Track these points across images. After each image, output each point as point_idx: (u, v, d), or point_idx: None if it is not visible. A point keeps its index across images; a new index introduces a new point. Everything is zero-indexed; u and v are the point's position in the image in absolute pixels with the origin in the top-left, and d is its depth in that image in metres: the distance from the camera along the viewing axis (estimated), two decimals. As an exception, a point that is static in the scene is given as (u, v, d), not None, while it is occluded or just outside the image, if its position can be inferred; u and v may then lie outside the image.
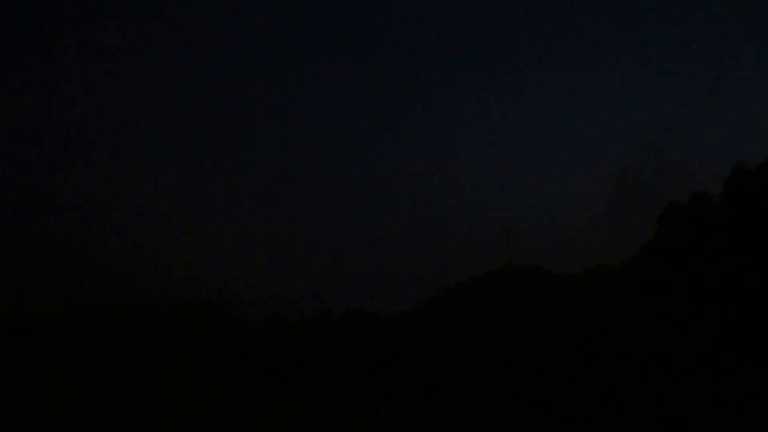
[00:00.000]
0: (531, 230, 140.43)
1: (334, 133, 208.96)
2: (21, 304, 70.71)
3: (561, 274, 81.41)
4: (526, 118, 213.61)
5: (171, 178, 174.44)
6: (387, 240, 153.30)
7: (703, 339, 46.72)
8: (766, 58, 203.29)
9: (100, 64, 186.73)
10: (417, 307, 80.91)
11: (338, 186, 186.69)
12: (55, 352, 61.11)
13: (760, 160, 52.03)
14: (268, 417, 60.13)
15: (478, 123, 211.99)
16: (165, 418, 57.37)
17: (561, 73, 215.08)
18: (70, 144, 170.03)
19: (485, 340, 68.18)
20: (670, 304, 50.78)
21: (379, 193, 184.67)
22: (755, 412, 41.73)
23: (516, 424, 57.22)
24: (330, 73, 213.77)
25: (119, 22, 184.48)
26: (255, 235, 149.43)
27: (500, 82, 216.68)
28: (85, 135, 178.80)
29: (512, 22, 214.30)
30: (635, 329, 52.51)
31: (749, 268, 47.34)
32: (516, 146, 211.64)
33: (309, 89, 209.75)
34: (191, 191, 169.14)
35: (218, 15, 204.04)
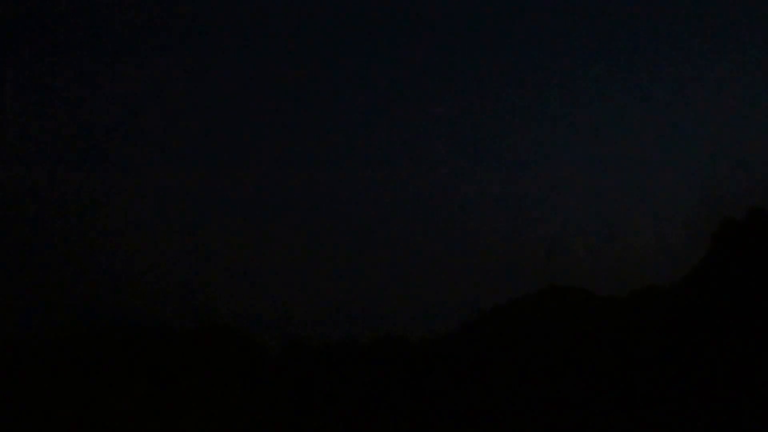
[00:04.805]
0: (574, 249, 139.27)
1: (363, 148, 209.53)
2: (34, 327, 72.28)
3: (606, 296, 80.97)
4: (570, 130, 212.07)
5: (190, 197, 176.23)
6: (417, 259, 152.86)
7: (760, 367, 46.59)
8: None
9: (103, 68, 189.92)
10: (450, 332, 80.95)
11: (366, 201, 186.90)
12: (68, 376, 62.47)
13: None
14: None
15: (519, 134, 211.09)
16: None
17: (615, 85, 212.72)
18: (83, 158, 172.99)
19: (523, 368, 68.20)
20: (723, 329, 50.59)
21: (409, 207, 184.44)
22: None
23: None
24: (364, 82, 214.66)
25: (122, 22, 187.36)
26: (276, 254, 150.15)
27: (543, 92, 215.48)
28: (102, 146, 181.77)
29: (580, 25, 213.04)
30: (685, 357, 52.40)
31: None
32: (558, 159, 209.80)
33: (338, 101, 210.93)
34: (211, 211, 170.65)
35: (227, 17, 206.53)
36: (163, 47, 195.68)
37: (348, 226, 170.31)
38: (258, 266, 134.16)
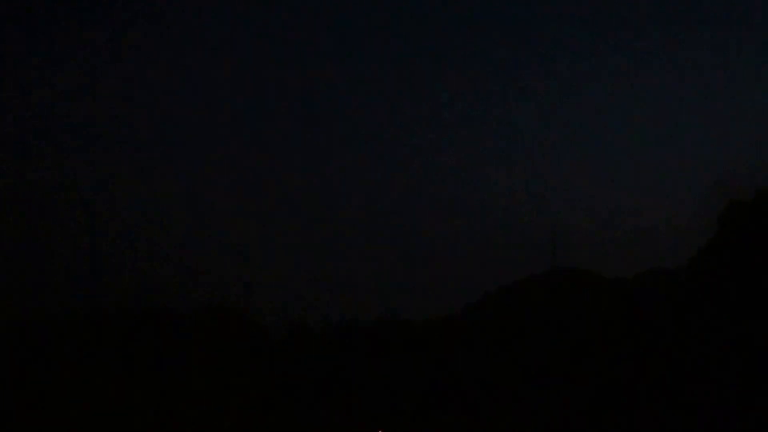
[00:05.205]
0: (579, 230, 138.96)
1: (366, 129, 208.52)
2: (30, 310, 72.53)
3: (611, 278, 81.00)
4: (575, 110, 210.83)
5: (189, 176, 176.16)
6: (421, 240, 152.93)
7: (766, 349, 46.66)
8: None
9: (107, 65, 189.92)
10: (454, 314, 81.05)
11: (368, 182, 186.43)
12: (67, 360, 62.76)
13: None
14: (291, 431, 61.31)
15: (524, 114, 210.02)
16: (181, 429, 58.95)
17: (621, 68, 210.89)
18: (78, 141, 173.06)
19: (528, 349, 68.32)
20: (729, 311, 50.62)
21: (410, 188, 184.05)
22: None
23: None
24: (365, 64, 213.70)
25: (124, 21, 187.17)
26: (277, 234, 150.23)
27: (549, 74, 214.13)
28: (97, 133, 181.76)
29: (584, 10, 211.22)
30: (691, 338, 52.48)
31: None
32: (564, 139, 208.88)
33: (340, 85, 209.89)
34: (210, 190, 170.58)
35: (232, 12, 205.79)
36: (164, 45, 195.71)
37: (351, 208, 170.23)
38: (259, 248, 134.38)
